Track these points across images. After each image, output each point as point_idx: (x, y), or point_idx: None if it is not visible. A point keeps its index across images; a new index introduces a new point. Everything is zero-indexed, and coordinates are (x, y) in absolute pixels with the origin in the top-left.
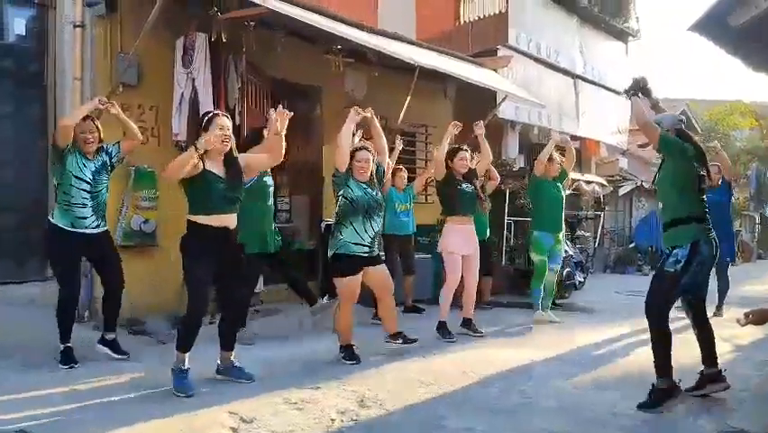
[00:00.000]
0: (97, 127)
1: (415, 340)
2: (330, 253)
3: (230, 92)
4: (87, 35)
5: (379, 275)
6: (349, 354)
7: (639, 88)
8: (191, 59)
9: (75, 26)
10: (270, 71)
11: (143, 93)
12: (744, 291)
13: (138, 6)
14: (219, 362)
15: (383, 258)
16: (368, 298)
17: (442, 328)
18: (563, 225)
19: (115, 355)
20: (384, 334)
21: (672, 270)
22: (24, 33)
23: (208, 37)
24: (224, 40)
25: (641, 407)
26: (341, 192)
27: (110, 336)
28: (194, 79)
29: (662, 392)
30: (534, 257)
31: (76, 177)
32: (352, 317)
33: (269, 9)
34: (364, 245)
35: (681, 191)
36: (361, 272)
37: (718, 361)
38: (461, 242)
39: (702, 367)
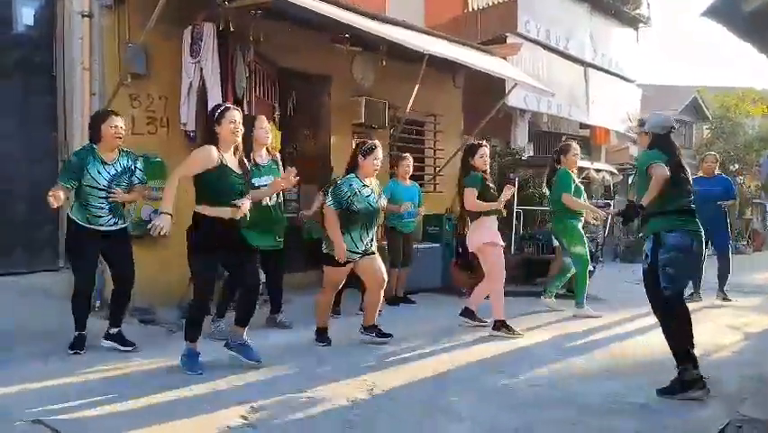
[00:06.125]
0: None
1: (389, 335)
2: (325, 251)
3: (238, 81)
4: (96, 25)
5: (369, 266)
6: (321, 336)
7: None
8: (199, 48)
9: (83, 16)
10: (278, 60)
11: (152, 83)
12: (758, 280)
13: None
14: (229, 336)
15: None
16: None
17: (504, 327)
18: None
19: (122, 348)
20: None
21: (646, 266)
22: (33, 23)
23: (216, 26)
24: (232, 29)
25: (661, 392)
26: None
27: (113, 331)
28: (202, 69)
29: (685, 383)
30: (580, 250)
31: (92, 187)
32: (331, 302)
33: None
34: (357, 252)
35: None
36: (350, 265)
37: (726, 349)
38: (495, 233)
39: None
